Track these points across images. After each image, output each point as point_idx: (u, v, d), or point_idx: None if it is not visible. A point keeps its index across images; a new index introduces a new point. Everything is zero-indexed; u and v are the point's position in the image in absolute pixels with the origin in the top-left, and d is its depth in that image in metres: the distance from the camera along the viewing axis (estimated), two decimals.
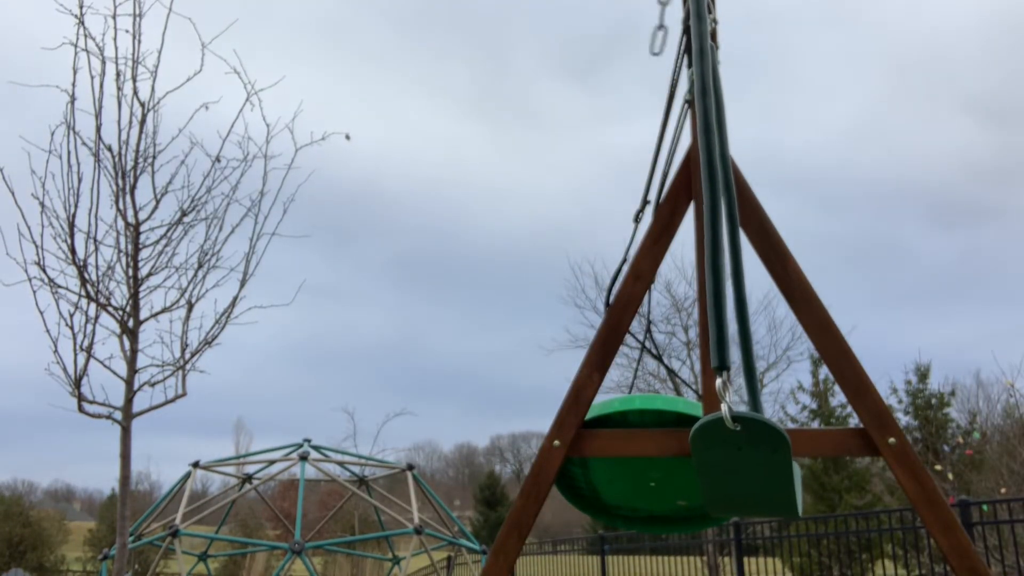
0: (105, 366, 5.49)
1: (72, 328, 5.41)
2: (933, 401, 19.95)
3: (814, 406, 21.74)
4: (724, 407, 1.52)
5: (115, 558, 5.59)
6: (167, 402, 5.63)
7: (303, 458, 9.64)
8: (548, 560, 15.85)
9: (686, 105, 1.97)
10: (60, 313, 5.41)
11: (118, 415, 5.45)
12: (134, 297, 5.56)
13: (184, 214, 5.78)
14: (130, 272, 5.57)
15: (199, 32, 5.73)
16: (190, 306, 5.80)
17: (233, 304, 5.94)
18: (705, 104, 1.73)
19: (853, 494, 19.61)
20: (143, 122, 5.64)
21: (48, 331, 5.40)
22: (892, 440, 1.67)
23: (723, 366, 1.57)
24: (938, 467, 16.17)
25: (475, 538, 11.12)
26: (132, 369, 5.51)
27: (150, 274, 5.64)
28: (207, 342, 5.84)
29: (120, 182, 5.57)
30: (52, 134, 5.43)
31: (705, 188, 1.69)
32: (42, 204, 5.44)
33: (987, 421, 20.54)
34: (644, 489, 2.35)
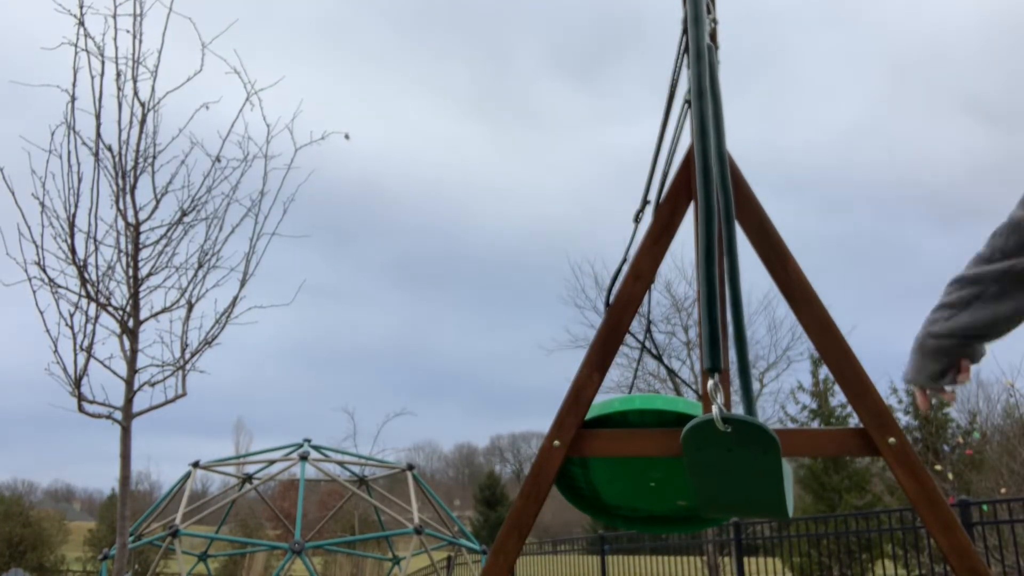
0: (105, 366, 5.50)
1: (72, 328, 5.41)
2: (933, 401, 19.93)
3: (814, 406, 21.75)
4: (715, 409, 1.53)
5: (115, 558, 5.59)
6: (167, 402, 5.63)
7: (303, 458, 9.64)
8: (548, 560, 15.86)
9: (686, 105, 1.97)
10: (60, 313, 5.42)
11: (118, 415, 5.46)
12: (134, 297, 5.56)
13: (184, 214, 5.78)
14: (130, 272, 5.57)
15: (199, 32, 5.73)
16: (190, 306, 5.80)
17: (233, 304, 5.94)
18: (702, 106, 1.73)
19: (853, 494, 19.61)
20: (143, 122, 5.65)
21: (48, 331, 5.40)
22: (892, 440, 1.67)
23: (715, 368, 1.58)
24: (938, 467, 16.17)
25: (475, 538, 11.12)
26: (132, 369, 5.52)
27: (150, 274, 5.64)
28: (207, 342, 5.85)
29: (120, 182, 5.57)
30: (52, 134, 5.44)
31: (700, 190, 1.69)
32: (42, 204, 5.44)
33: (987, 421, 20.55)
34: (644, 489, 2.36)
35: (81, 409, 5.40)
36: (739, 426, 1.53)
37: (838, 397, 21.01)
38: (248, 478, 11.00)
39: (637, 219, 2.22)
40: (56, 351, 5.38)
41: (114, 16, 5.58)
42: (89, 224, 5.48)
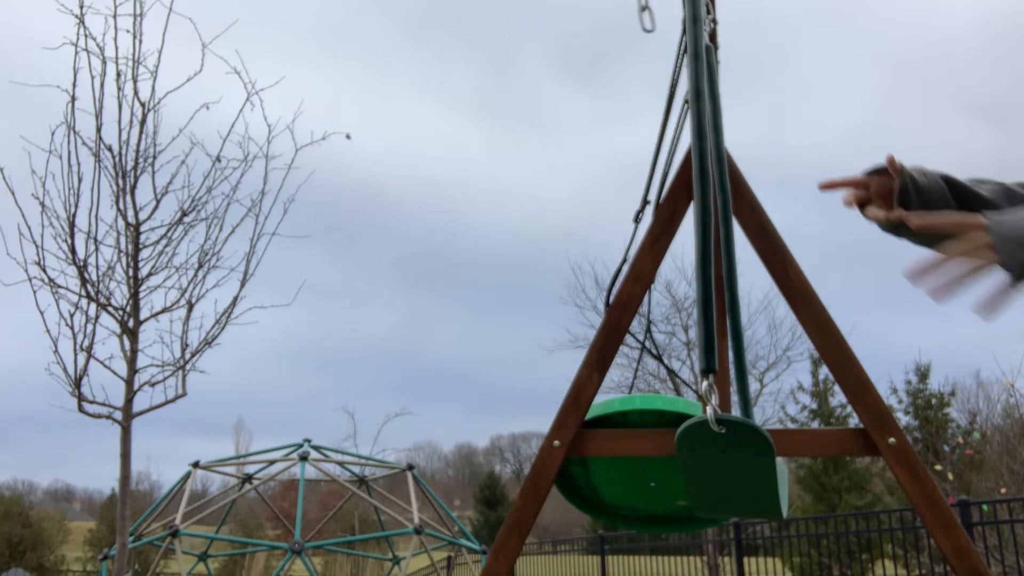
0: (105, 366, 5.50)
1: (72, 328, 5.42)
2: (933, 401, 19.96)
3: (814, 406, 21.74)
4: (709, 410, 1.53)
5: (115, 558, 5.59)
6: (167, 402, 5.63)
7: (303, 458, 9.64)
8: (548, 560, 15.86)
9: (686, 105, 1.97)
10: (60, 313, 5.42)
11: (118, 415, 5.46)
12: (134, 297, 5.56)
13: (184, 214, 5.78)
14: (130, 272, 5.57)
15: (199, 32, 5.74)
16: (190, 306, 5.80)
17: (233, 304, 5.95)
18: (700, 107, 1.73)
19: (853, 494, 19.60)
20: (143, 122, 5.65)
21: (48, 331, 5.41)
22: (892, 440, 1.68)
23: (710, 368, 1.58)
24: (938, 467, 16.17)
25: (475, 538, 11.12)
26: (132, 369, 5.52)
27: (150, 274, 5.65)
28: (207, 342, 5.85)
29: (120, 182, 5.57)
30: (52, 134, 5.44)
31: (697, 190, 1.69)
32: (42, 204, 5.44)
33: (987, 421, 20.54)
34: (644, 489, 2.36)
35: (81, 409, 5.40)
36: (733, 427, 1.53)
37: (838, 397, 21.01)
38: (248, 478, 11.01)
39: (637, 219, 2.23)
40: (56, 351, 5.38)
41: (114, 16, 5.59)
42: (89, 224, 5.49)
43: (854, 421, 1.74)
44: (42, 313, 5.39)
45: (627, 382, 19.54)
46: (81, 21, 5.52)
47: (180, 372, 5.70)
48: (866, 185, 1.85)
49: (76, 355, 5.39)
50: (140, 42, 5.66)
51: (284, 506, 22.24)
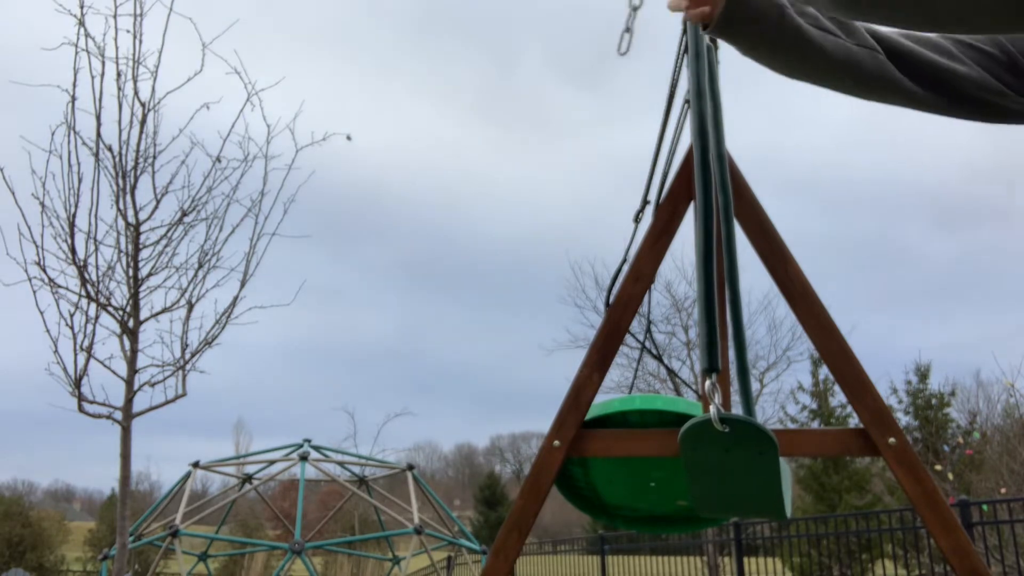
0: (105, 366, 5.50)
1: (72, 328, 5.42)
2: (933, 401, 19.97)
3: (814, 406, 21.75)
4: (712, 408, 1.53)
5: (115, 558, 5.59)
6: (167, 402, 5.63)
7: (303, 458, 9.65)
8: (548, 560, 15.86)
9: (686, 105, 1.97)
10: (60, 313, 5.42)
11: (118, 415, 5.46)
12: (134, 297, 5.56)
13: (184, 214, 5.78)
14: (130, 272, 5.57)
15: (200, 32, 5.74)
16: (190, 306, 5.80)
17: (233, 304, 5.95)
18: (700, 106, 1.73)
19: (853, 494, 19.61)
20: (143, 122, 5.65)
21: (48, 331, 5.41)
22: (892, 440, 1.67)
23: (713, 368, 1.58)
24: (938, 467, 16.17)
25: (475, 538, 11.12)
26: (132, 369, 5.52)
27: (150, 274, 5.65)
28: (207, 342, 5.85)
29: (120, 182, 5.57)
30: (52, 134, 5.45)
31: (698, 190, 1.69)
32: (42, 204, 5.44)
33: (987, 421, 20.54)
34: (644, 489, 2.35)
35: (81, 409, 5.40)
36: (737, 426, 1.53)
37: (838, 397, 21.02)
38: (248, 478, 11.01)
39: (637, 219, 2.22)
40: (56, 351, 5.38)
41: (114, 16, 5.58)
42: (89, 224, 5.49)
43: (854, 421, 1.74)
44: (42, 313, 5.40)
45: (627, 382, 19.54)
46: (81, 21, 5.52)
47: (180, 372, 5.70)
48: None
49: (76, 355, 5.39)
50: (140, 42, 5.66)
51: (284, 506, 22.24)
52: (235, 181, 5.97)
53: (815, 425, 20.22)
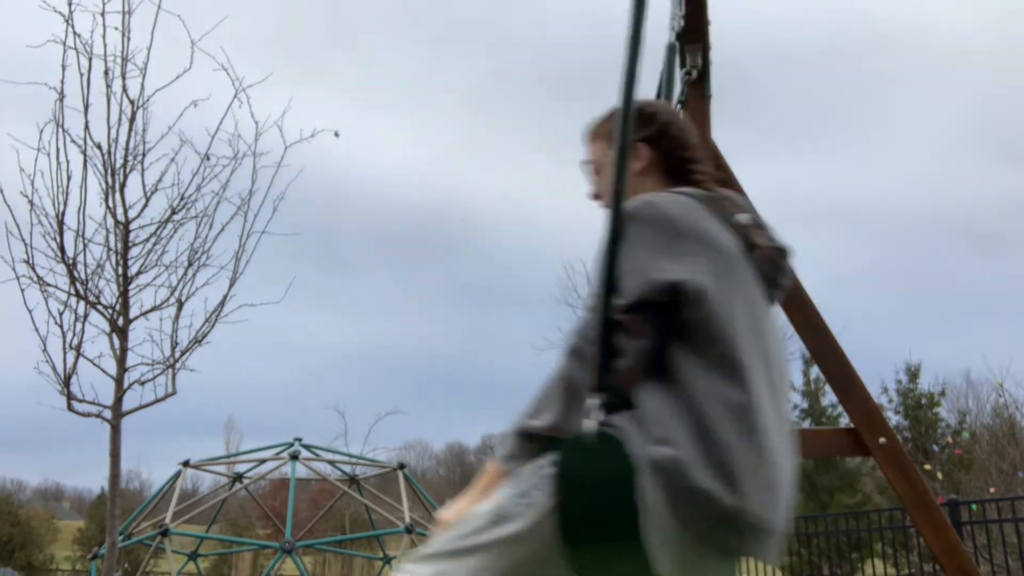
0: (95, 364, 5.47)
1: (61, 326, 5.39)
2: (923, 401, 20.04)
3: (805, 405, 21.79)
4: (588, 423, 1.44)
5: (104, 557, 5.57)
6: (157, 400, 5.61)
7: (294, 457, 9.62)
8: None
9: (679, 105, 1.97)
10: (49, 311, 5.40)
11: (108, 414, 5.43)
12: (124, 295, 5.53)
13: (174, 212, 5.76)
14: (120, 270, 5.54)
15: (188, 29, 5.71)
16: (180, 304, 5.78)
17: (223, 302, 5.93)
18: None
19: (844, 493, 19.66)
20: (132, 119, 5.62)
21: (37, 329, 5.38)
22: (882, 440, 1.68)
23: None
24: (928, 466, 16.23)
25: None
26: (122, 368, 5.49)
27: (140, 272, 5.62)
28: (197, 340, 5.83)
29: (110, 180, 5.54)
30: (41, 132, 5.41)
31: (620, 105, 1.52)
32: (31, 202, 5.42)
33: (976, 421, 20.64)
34: None
35: (71, 408, 5.38)
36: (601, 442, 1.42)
37: (829, 397, 21.06)
38: (238, 477, 10.98)
39: None
40: (45, 350, 5.36)
41: (103, 13, 5.56)
42: (78, 222, 5.46)
43: (845, 421, 1.74)
44: (31, 311, 5.37)
45: None
46: (69, 19, 5.49)
47: (170, 370, 5.68)
48: None
49: (65, 353, 5.37)
50: (129, 39, 5.63)
51: (274, 505, 22.21)
52: (225, 179, 5.95)
53: (806, 425, 20.28)
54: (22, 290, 5.39)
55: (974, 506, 7.83)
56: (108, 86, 5.57)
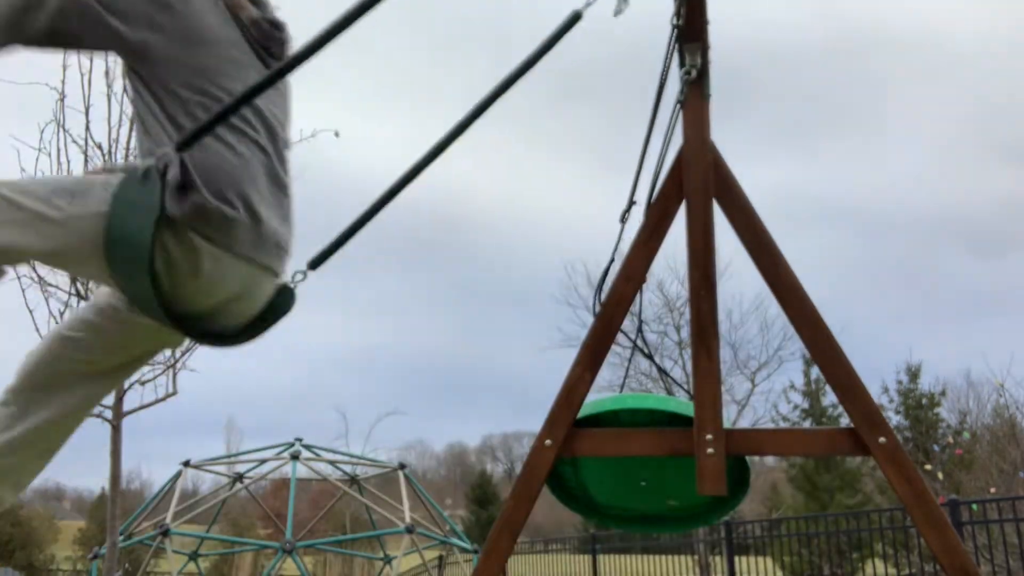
0: None
1: None
2: (924, 401, 20.05)
3: (806, 405, 21.80)
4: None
5: (105, 557, 5.57)
6: (158, 401, 5.62)
7: (294, 457, 9.63)
8: (540, 559, 15.86)
9: (677, 105, 1.97)
10: (50, 311, 5.40)
11: (108, 414, 5.43)
12: None
13: None
14: None
15: None
16: None
17: None
18: None
19: (844, 493, 19.68)
20: (133, 120, 5.62)
21: (38, 329, 5.39)
22: (883, 440, 1.68)
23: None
24: (928, 467, 16.23)
25: (466, 537, 11.12)
26: None
27: None
28: None
29: None
30: (42, 132, 5.42)
31: None
32: None
33: (977, 421, 20.63)
34: (635, 488, 2.36)
35: None
36: None
37: (830, 396, 21.06)
38: (239, 477, 10.98)
39: (623, 220, 2.23)
40: None
41: None
42: None
43: (845, 421, 1.74)
44: (31, 311, 5.37)
45: (619, 381, 19.54)
46: None
47: (170, 371, 5.68)
48: None
49: None
50: None
51: (275, 505, 22.20)
52: None
53: (807, 424, 20.29)
54: (23, 290, 5.40)
55: (975, 506, 7.83)
56: (109, 86, 5.59)
